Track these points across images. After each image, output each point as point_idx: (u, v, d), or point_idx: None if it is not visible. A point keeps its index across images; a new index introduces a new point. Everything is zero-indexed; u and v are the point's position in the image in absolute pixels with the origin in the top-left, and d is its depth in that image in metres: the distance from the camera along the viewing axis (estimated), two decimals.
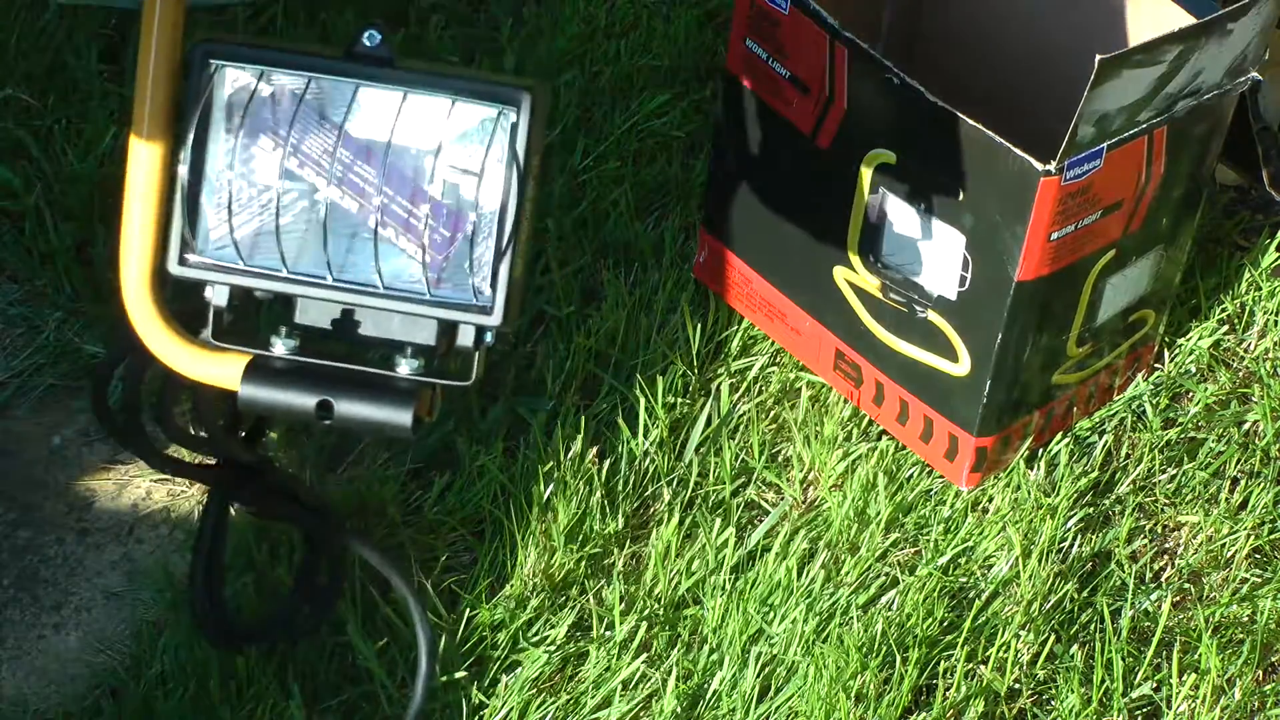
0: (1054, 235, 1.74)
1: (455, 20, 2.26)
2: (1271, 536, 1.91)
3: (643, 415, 1.91)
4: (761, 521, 1.87)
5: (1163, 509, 1.94)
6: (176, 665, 1.71)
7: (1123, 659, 1.79)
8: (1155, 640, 1.81)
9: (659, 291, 2.02)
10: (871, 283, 1.87)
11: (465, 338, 1.25)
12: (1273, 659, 1.84)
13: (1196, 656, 1.81)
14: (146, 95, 1.23)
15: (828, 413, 1.94)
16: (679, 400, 1.94)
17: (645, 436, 1.90)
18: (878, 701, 1.74)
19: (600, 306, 2.00)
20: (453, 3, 2.28)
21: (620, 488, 1.86)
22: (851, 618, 1.78)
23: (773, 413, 1.96)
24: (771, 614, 1.78)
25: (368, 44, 1.22)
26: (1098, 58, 1.63)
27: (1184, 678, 1.79)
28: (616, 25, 2.27)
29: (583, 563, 1.81)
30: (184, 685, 1.69)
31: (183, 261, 1.24)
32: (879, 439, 1.93)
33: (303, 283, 1.24)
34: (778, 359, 2.00)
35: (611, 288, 2.01)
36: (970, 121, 1.71)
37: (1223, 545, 1.90)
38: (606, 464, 1.87)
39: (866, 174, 1.82)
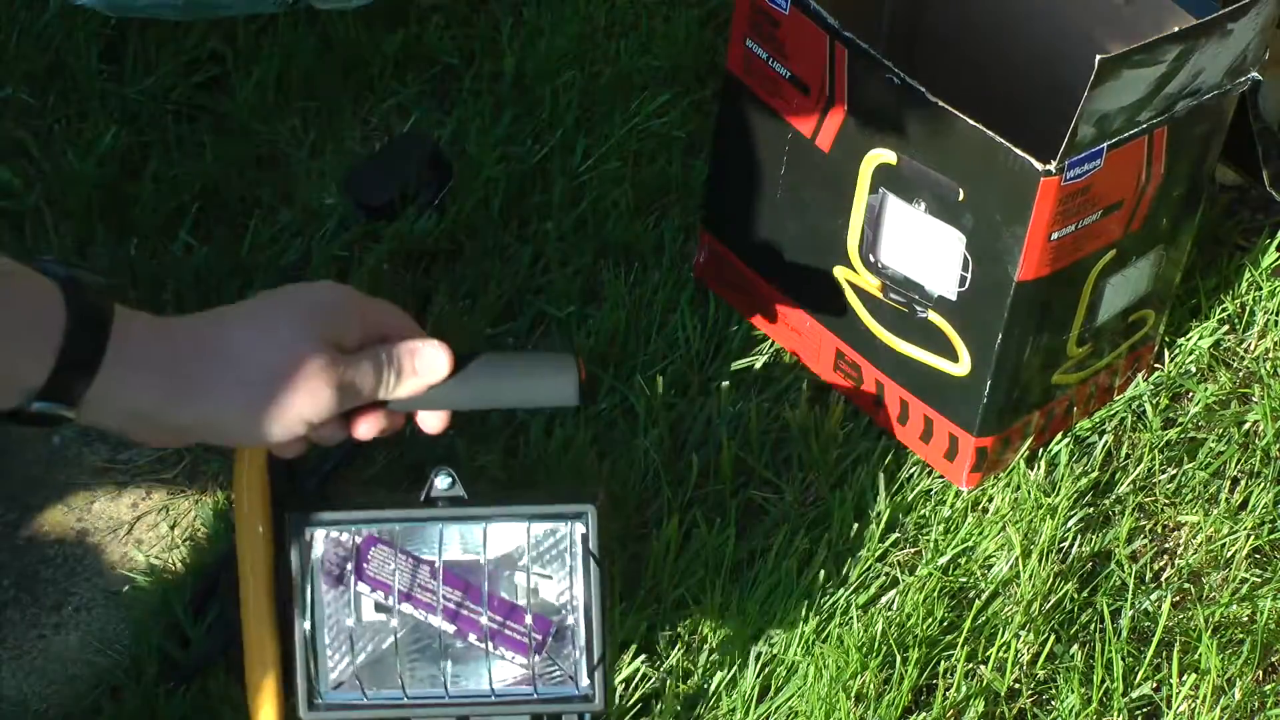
0: (1054, 235, 1.74)
1: (455, 20, 2.26)
2: (1271, 536, 1.91)
3: (643, 415, 1.91)
4: (761, 521, 1.87)
5: (1163, 509, 1.94)
6: None
7: (1123, 659, 1.79)
8: (1155, 640, 1.81)
9: (659, 291, 2.02)
10: (871, 283, 1.87)
11: None
12: (1273, 659, 1.84)
13: (1196, 656, 1.81)
14: (248, 559, 1.35)
15: (828, 413, 1.94)
16: (679, 400, 1.94)
17: (645, 436, 1.90)
18: (878, 701, 1.74)
19: (600, 306, 2.00)
20: (453, 3, 2.27)
21: (620, 488, 1.86)
22: (851, 618, 1.78)
23: (773, 413, 1.96)
24: (771, 614, 1.78)
25: (441, 487, 1.35)
26: (1098, 58, 1.63)
27: (1184, 678, 1.79)
28: (616, 25, 2.27)
29: None
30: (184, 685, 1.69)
31: (312, 707, 1.36)
32: (879, 439, 1.93)
33: (421, 704, 1.38)
34: (778, 359, 2.00)
35: (611, 288, 2.01)
36: (970, 121, 1.71)
37: (1223, 545, 1.90)
38: (606, 464, 1.87)
39: (866, 174, 1.82)
